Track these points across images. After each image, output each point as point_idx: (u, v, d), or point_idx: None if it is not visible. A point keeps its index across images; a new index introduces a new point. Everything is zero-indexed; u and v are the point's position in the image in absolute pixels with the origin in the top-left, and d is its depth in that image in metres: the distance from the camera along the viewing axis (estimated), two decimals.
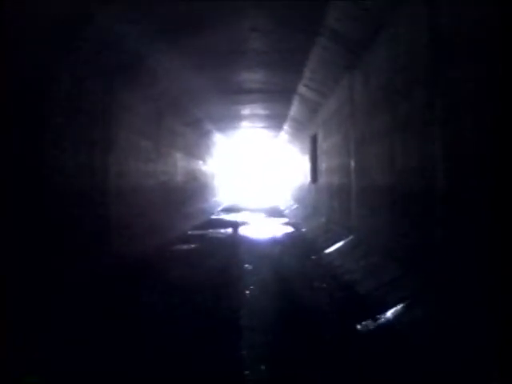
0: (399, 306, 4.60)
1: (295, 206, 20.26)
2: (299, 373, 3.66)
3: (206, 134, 20.29)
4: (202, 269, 7.74)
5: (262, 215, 18.71)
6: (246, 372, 3.64)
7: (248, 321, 4.91)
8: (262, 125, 20.18)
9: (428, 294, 4.48)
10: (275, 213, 20.05)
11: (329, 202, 11.75)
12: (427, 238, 4.75)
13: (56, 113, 6.15)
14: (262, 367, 3.70)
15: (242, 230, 13.68)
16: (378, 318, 4.64)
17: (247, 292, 6.19)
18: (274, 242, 11.33)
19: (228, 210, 21.69)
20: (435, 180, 4.48)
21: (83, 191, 6.95)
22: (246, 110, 16.25)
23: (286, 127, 20.12)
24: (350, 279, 6.46)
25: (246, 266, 8.01)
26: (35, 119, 5.63)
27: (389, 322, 4.51)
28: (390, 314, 4.61)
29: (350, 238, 8.46)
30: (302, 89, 11.98)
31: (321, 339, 4.34)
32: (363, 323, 4.61)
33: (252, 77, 11.11)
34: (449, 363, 3.39)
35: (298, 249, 9.91)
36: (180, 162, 15.10)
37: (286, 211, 20.40)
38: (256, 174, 43.15)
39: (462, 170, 3.95)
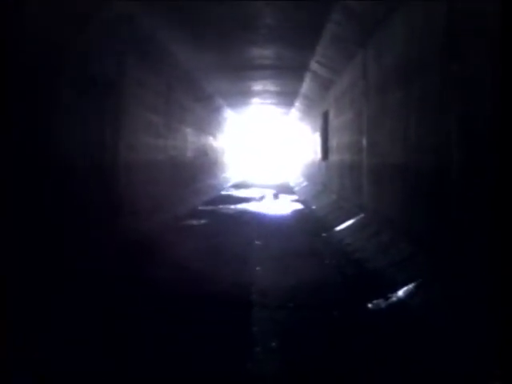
0: (411, 285, 4.57)
1: (305, 183, 20.22)
2: (310, 352, 3.64)
3: (216, 110, 20.22)
4: (211, 245, 7.73)
5: (272, 192, 18.66)
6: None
7: (259, 298, 4.89)
8: (273, 101, 20.06)
9: (441, 273, 4.46)
10: (285, 190, 20.00)
11: (339, 180, 11.71)
12: (441, 217, 4.72)
13: (67, 86, 6.11)
14: (276, 352, 3.66)
15: (251, 207, 13.67)
16: (390, 297, 4.62)
17: (258, 268, 6.18)
18: (284, 218, 11.32)
19: (237, 186, 21.68)
20: (450, 158, 4.43)
21: (93, 166, 6.94)
22: (257, 87, 16.14)
23: (297, 104, 20.00)
24: (361, 257, 6.44)
25: (257, 242, 8.00)
26: (46, 93, 5.60)
27: (400, 300, 4.49)
28: (401, 292, 4.59)
29: (361, 215, 8.43)
30: (314, 65, 11.87)
31: (331, 317, 4.32)
32: (374, 302, 4.59)
33: (264, 53, 10.99)
34: (462, 345, 3.38)
35: (309, 226, 9.89)
36: (190, 137, 15.06)
37: (296, 188, 20.35)
38: (266, 151, 43.08)
39: (479, 147, 3.90)
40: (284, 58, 11.42)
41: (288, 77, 14.05)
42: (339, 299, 4.83)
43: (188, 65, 11.84)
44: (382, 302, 4.56)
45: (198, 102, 16.20)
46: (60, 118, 5.89)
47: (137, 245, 7.34)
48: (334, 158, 12.89)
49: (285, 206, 13.77)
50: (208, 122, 18.84)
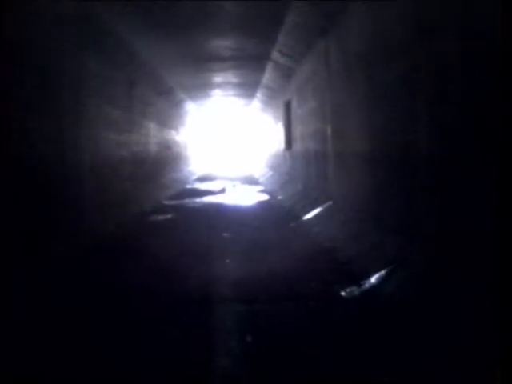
0: (383, 272, 4.58)
1: (270, 173, 20.21)
2: (285, 339, 3.62)
3: (178, 104, 20.05)
4: (178, 239, 7.62)
5: (237, 183, 18.59)
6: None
7: (232, 292, 4.84)
8: (234, 93, 19.95)
9: (412, 259, 4.47)
10: (250, 181, 19.99)
11: (305, 169, 11.71)
12: (410, 204, 4.72)
13: (25, 80, 5.91)
14: (252, 346, 3.62)
15: (217, 199, 13.59)
16: (363, 284, 4.62)
17: (228, 261, 6.12)
18: (251, 210, 11.30)
19: (202, 179, 21.57)
20: (418, 144, 4.43)
21: (53, 164, 6.74)
22: (218, 78, 16.00)
23: (258, 95, 19.94)
24: (332, 245, 6.44)
25: (225, 234, 7.94)
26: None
27: (374, 287, 4.50)
28: (374, 279, 4.59)
29: (329, 203, 8.43)
30: (275, 55, 11.81)
31: (306, 307, 4.31)
32: (347, 290, 4.59)
33: (224, 43, 10.88)
34: (431, 326, 3.40)
35: (276, 216, 9.87)
36: (153, 131, 14.89)
37: (261, 179, 20.35)
38: (229, 143, 42.97)
39: (447, 132, 3.90)
40: (245, 48, 11.32)
41: (249, 67, 13.97)
42: (313, 289, 4.80)
43: (148, 58, 11.66)
44: (355, 290, 4.56)
45: (160, 96, 16.02)
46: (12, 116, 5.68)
47: (102, 243, 7.21)
48: (298, 147, 12.88)
49: (251, 197, 13.74)
50: (170, 116, 18.66)
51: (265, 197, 13.75)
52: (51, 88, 6.70)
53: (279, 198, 13.13)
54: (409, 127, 4.66)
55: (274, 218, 9.69)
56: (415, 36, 4.50)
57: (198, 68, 13.89)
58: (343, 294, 4.53)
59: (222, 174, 25.37)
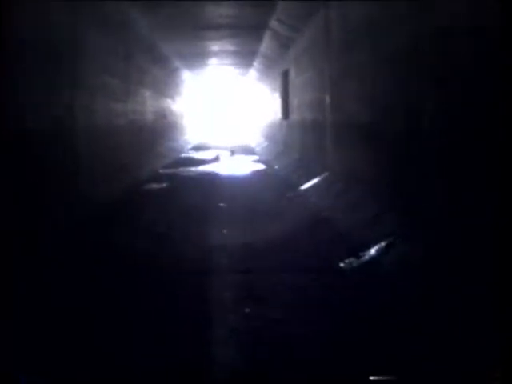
0: (383, 243, 4.57)
1: (266, 143, 20.15)
2: (283, 313, 3.61)
3: (174, 72, 19.88)
4: (175, 208, 7.61)
5: (235, 151, 18.47)
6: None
7: (230, 262, 4.84)
8: (231, 62, 19.78)
9: (412, 230, 4.47)
10: (246, 151, 19.90)
11: (302, 139, 11.68)
12: (410, 175, 4.71)
13: (18, 48, 5.82)
14: (250, 319, 3.57)
15: (212, 168, 13.57)
16: (362, 256, 4.62)
17: (225, 232, 6.10)
18: (247, 179, 11.30)
19: (198, 149, 21.45)
20: (422, 117, 4.38)
21: (49, 130, 6.67)
22: (214, 47, 15.86)
23: (255, 64, 19.78)
24: (329, 216, 6.45)
25: (221, 204, 7.92)
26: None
27: (373, 259, 4.50)
28: (373, 251, 4.59)
29: (326, 174, 8.42)
30: (273, 23, 11.66)
31: (304, 278, 4.29)
32: (346, 261, 4.59)
33: (222, 11, 10.74)
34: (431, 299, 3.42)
35: (273, 186, 9.86)
36: (149, 100, 14.76)
37: (257, 149, 20.29)
38: (225, 113, 42.67)
39: (454, 106, 3.86)
40: (243, 16, 11.18)
41: (247, 36, 13.82)
42: (312, 260, 4.80)
43: (145, 25, 11.52)
44: (354, 261, 4.56)
45: (156, 64, 15.85)
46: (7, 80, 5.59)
47: (99, 211, 7.17)
48: (295, 117, 12.83)
49: (247, 167, 13.72)
50: (166, 85, 18.50)
51: (261, 166, 13.72)
52: (47, 58, 6.61)
53: (275, 167, 13.11)
54: (413, 99, 4.61)
55: (270, 187, 9.67)
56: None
57: (195, 36, 13.75)
58: (342, 265, 4.53)
59: (218, 143, 25.21)
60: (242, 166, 13.88)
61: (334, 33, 7.92)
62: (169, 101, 19.21)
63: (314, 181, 8.64)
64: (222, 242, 5.57)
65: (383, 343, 3.01)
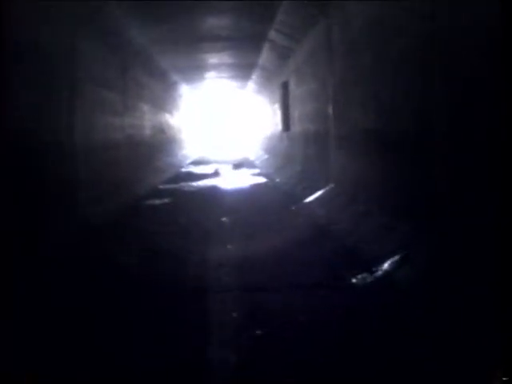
0: (397, 257, 4.34)
1: (266, 156, 19.98)
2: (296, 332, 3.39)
3: (172, 86, 19.81)
4: (177, 224, 7.39)
5: (235, 166, 18.28)
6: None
7: (237, 280, 4.60)
8: (229, 75, 19.68)
9: (424, 244, 4.24)
10: (246, 164, 19.72)
11: (303, 151, 11.50)
12: (421, 186, 4.50)
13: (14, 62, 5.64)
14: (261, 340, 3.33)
15: (213, 182, 13.39)
16: (375, 271, 4.38)
17: (229, 247, 5.89)
18: (249, 193, 11.13)
19: (197, 163, 21.28)
20: (433, 123, 4.19)
21: (46, 146, 6.47)
22: (212, 60, 15.73)
23: (254, 77, 19.69)
24: (337, 230, 6.23)
25: (223, 219, 7.72)
26: None
27: (387, 273, 4.25)
28: (387, 265, 4.36)
29: (330, 186, 8.21)
30: (272, 34, 11.52)
31: (316, 297, 4.05)
32: (359, 276, 4.35)
33: (220, 22, 10.60)
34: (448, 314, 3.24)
35: (276, 199, 9.69)
36: (147, 115, 14.64)
37: (257, 162, 20.12)
38: (224, 126, 42.61)
39: (466, 111, 3.67)
40: (241, 27, 11.03)
41: (245, 48, 13.69)
42: (322, 276, 4.55)
43: (143, 39, 11.36)
44: (367, 276, 4.33)
45: (154, 78, 15.74)
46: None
47: (98, 228, 6.94)
48: (296, 128, 12.67)
49: (248, 180, 13.53)
50: (164, 99, 18.40)
51: (262, 180, 13.54)
52: (46, 72, 6.45)
53: (277, 180, 12.92)
54: (423, 105, 4.42)
55: (273, 201, 9.50)
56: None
57: (193, 49, 13.64)
58: (354, 280, 4.31)
59: (217, 157, 25.06)
60: (243, 180, 13.69)
61: (336, 42, 7.75)
62: (167, 115, 19.09)
63: (319, 193, 8.43)
64: (227, 258, 5.36)
65: None
